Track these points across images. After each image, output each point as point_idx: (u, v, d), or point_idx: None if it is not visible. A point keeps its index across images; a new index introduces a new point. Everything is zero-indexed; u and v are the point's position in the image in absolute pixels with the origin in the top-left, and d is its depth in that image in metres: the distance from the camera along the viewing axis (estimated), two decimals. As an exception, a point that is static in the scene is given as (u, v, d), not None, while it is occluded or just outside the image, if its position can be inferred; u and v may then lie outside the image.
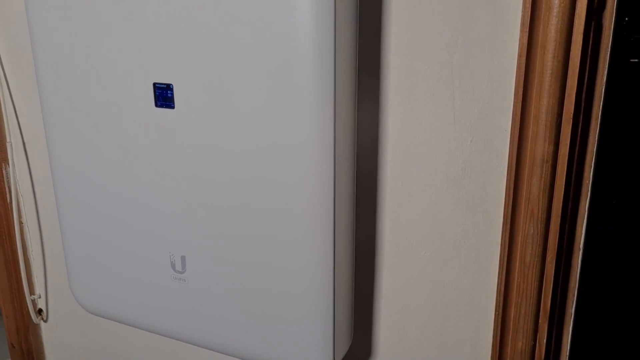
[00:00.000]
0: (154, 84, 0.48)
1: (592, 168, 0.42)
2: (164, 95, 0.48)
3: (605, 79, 0.40)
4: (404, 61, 0.44)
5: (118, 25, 0.48)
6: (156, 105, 0.49)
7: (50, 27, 0.51)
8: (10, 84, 0.63)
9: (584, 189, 0.43)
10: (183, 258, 0.52)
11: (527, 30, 0.39)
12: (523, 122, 0.41)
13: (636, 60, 0.40)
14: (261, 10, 0.42)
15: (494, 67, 0.42)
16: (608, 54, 0.39)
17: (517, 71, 0.40)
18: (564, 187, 0.41)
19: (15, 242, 0.68)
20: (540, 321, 0.46)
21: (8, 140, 0.66)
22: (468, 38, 0.42)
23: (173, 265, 0.53)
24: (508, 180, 0.43)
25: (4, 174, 0.67)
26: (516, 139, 0.42)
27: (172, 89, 0.48)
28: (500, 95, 0.42)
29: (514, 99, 0.41)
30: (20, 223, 0.69)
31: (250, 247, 0.48)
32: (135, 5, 0.46)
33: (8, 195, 0.68)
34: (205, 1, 0.43)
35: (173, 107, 0.48)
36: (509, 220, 0.44)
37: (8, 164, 0.66)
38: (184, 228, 0.51)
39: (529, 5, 0.39)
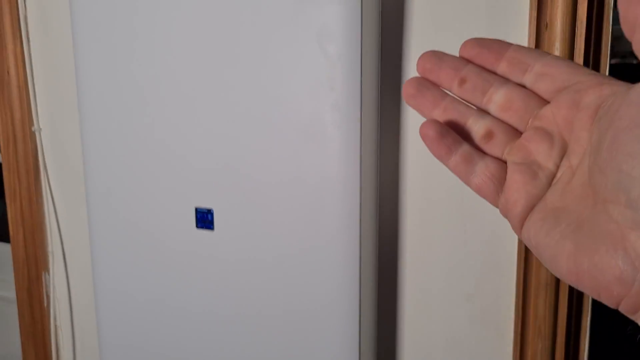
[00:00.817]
0: (196, 209, 0.54)
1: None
2: (204, 219, 0.54)
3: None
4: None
5: (165, 157, 0.54)
6: (197, 227, 0.55)
7: (103, 154, 0.57)
8: (55, 200, 0.69)
9: (584, 307, 0.48)
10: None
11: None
12: (528, 249, 0.47)
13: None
14: (295, 146, 0.48)
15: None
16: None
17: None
18: (567, 306, 0.46)
19: (50, 345, 0.72)
20: None
21: (50, 249, 0.71)
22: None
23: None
24: (517, 299, 0.48)
25: (44, 281, 0.72)
26: (522, 263, 0.47)
27: (212, 213, 0.54)
28: (506, 223, 0.48)
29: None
30: (55, 326, 0.73)
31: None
32: (181, 140, 0.53)
33: (45, 300, 0.72)
34: (241, 140, 0.50)
35: (212, 229, 0.54)
36: (519, 335, 0.48)
37: (48, 272, 0.71)
38: (228, 342, 0.55)
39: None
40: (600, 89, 0.26)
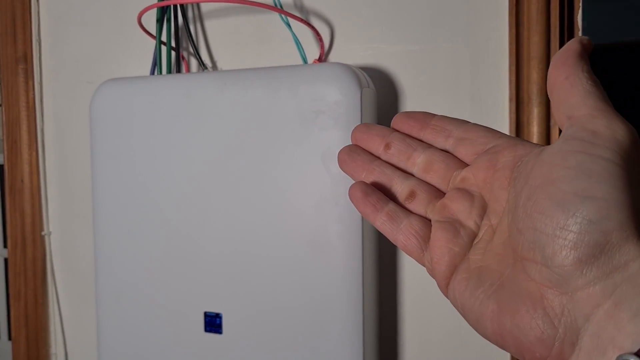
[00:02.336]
0: (205, 313, 0.57)
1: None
2: (212, 323, 0.57)
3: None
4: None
5: (176, 262, 0.57)
6: (205, 331, 0.57)
7: (114, 259, 0.60)
8: (60, 302, 0.71)
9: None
10: None
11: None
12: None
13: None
14: (301, 255, 0.52)
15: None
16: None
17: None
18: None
19: None
20: None
21: (53, 351, 0.72)
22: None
23: None
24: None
25: (44, 383, 0.72)
26: (515, 363, 0.50)
27: (220, 317, 0.56)
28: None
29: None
30: None
31: None
32: (192, 247, 0.57)
33: (44, 404, 0.72)
34: (250, 248, 0.54)
35: (221, 333, 0.56)
36: None
37: (50, 374, 0.72)
38: None
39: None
40: (515, 149, 0.28)
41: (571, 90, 0.25)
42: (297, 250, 0.52)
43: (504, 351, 0.51)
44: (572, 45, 0.26)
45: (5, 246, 1.00)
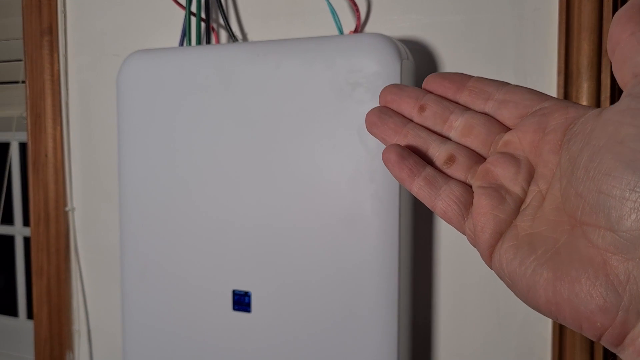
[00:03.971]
0: (233, 291, 0.55)
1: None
2: (241, 301, 0.56)
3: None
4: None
5: (204, 240, 0.56)
6: (233, 309, 0.56)
7: (140, 235, 0.59)
8: (84, 278, 0.70)
9: (618, 391, 0.49)
10: None
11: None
12: (562, 334, 0.48)
13: None
14: (335, 233, 0.50)
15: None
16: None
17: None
18: (602, 391, 0.47)
19: None
20: None
21: (76, 327, 0.71)
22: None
23: None
24: (552, 383, 0.49)
25: (67, 360, 0.71)
26: (557, 348, 0.48)
27: (249, 296, 0.55)
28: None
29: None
30: (75, 408, 0.72)
31: None
32: (222, 224, 0.55)
33: (67, 381, 0.71)
34: (282, 225, 0.52)
35: (250, 312, 0.55)
36: (556, 420, 0.49)
37: (72, 351, 0.71)
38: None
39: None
40: (566, 111, 0.26)
41: (638, 47, 0.23)
42: (330, 227, 0.51)
43: (543, 330, 0.49)
44: (637, 1, 0.24)
45: (24, 224, 1.00)
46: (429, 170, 0.29)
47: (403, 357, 0.51)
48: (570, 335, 0.48)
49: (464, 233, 0.28)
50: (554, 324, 0.49)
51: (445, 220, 0.28)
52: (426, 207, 0.54)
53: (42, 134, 0.70)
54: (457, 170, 0.29)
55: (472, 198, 0.28)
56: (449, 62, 0.52)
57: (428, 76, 0.31)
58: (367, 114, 0.32)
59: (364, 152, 0.49)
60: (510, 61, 0.49)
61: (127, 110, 0.58)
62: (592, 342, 0.48)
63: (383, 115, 0.31)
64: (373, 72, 0.48)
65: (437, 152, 0.30)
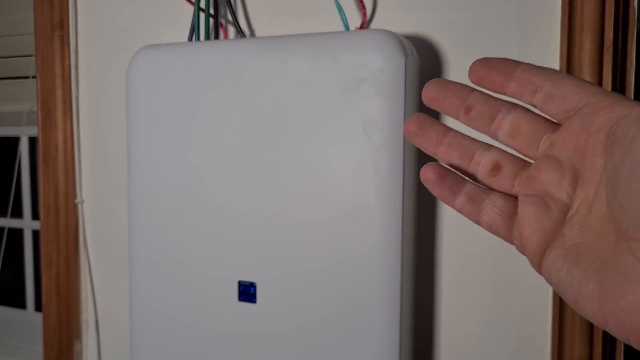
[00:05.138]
0: (239, 282, 0.57)
1: (623, 364, 0.50)
2: (247, 292, 0.57)
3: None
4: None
5: (210, 230, 0.57)
6: (239, 300, 0.57)
7: (148, 226, 0.60)
8: (92, 269, 0.71)
9: (618, 383, 0.50)
10: None
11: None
12: (562, 325, 0.49)
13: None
14: (339, 225, 0.51)
15: (534, 277, 0.51)
16: None
17: (553, 284, 0.49)
18: (601, 383, 0.48)
19: (77, 416, 0.72)
20: None
21: (84, 318, 0.72)
22: (510, 254, 0.51)
23: None
24: (552, 375, 0.50)
25: (75, 351, 0.73)
26: (557, 339, 0.49)
27: (255, 286, 0.56)
28: (540, 300, 0.51)
29: (552, 305, 0.50)
30: (83, 397, 0.73)
31: None
32: (227, 215, 0.56)
33: (75, 371, 0.73)
34: (286, 217, 0.53)
35: (255, 302, 0.56)
36: (555, 411, 0.50)
37: (81, 341, 0.72)
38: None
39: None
40: (611, 110, 0.25)
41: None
42: (334, 220, 0.51)
43: (545, 303, 0.50)
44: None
45: (33, 218, 1.01)
46: (469, 186, 0.29)
47: (405, 345, 0.52)
48: (570, 327, 0.48)
49: (512, 243, 0.28)
50: (554, 315, 0.50)
51: (492, 232, 0.28)
52: (429, 200, 0.54)
53: (52, 127, 0.71)
54: (503, 179, 0.28)
55: (517, 207, 0.27)
56: (453, 59, 0.52)
57: (473, 63, 0.29)
58: (405, 122, 0.31)
59: (369, 146, 0.50)
60: (514, 57, 0.49)
61: (137, 103, 0.59)
62: (591, 334, 0.48)
63: (423, 125, 0.30)
64: (378, 67, 0.49)
65: (482, 159, 0.29)
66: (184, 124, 0.57)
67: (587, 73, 0.46)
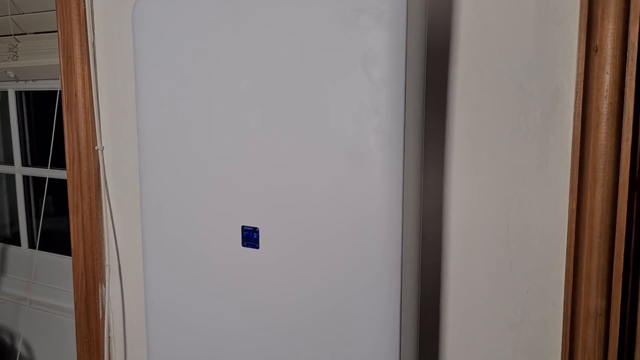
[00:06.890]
0: (242, 227, 0.55)
1: (646, 321, 0.45)
2: (250, 237, 0.56)
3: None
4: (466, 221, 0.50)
5: (214, 177, 0.56)
6: (242, 245, 0.56)
7: (157, 173, 0.60)
8: (114, 218, 0.73)
9: (638, 340, 0.46)
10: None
11: (576, 197, 0.44)
12: (576, 277, 0.45)
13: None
14: (339, 168, 0.49)
15: (547, 227, 0.46)
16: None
17: (568, 232, 0.45)
18: (617, 339, 0.44)
19: (103, 355, 0.75)
20: None
21: (107, 263, 0.74)
22: (521, 202, 0.47)
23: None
24: (564, 329, 0.46)
25: (100, 293, 0.75)
26: (570, 292, 0.45)
27: (257, 232, 0.55)
28: (553, 250, 0.47)
29: (566, 256, 0.45)
30: (109, 337, 0.76)
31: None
32: (230, 161, 0.55)
33: (100, 312, 0.75)
34: (287, 162, 0.51)
35: (258, 247, 0.55)
36: (566, 367, 0.46)
37: (105, 284, 0.74)
38: (272, 358, 0.56)
39: (576, 174, 0.44)
40: None
41: None
42: (335, 163, 0.49)
43: (559, 253, 0.46)
44: None
45: (50, 167, 1.04)
46: None
47: (411, 291, 0.49)
48: (586, 279, 0.44)
49: None
50: (568, 269, 0.46)
51: None
52: (437, 143, 0.51)
53: (72, 74, 0.71)
54: None
55: None
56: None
57: None
58: None
59: (368, 83, 0.46)
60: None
61: (142, 44, 0.58)
62: (609, 287, 0.44)
63: None
64: (378, -4, 0.45)
65: None
66: (186, 67, 0.56)
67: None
